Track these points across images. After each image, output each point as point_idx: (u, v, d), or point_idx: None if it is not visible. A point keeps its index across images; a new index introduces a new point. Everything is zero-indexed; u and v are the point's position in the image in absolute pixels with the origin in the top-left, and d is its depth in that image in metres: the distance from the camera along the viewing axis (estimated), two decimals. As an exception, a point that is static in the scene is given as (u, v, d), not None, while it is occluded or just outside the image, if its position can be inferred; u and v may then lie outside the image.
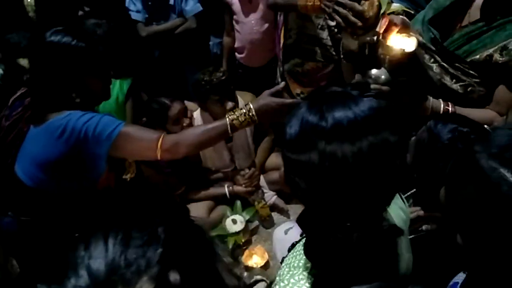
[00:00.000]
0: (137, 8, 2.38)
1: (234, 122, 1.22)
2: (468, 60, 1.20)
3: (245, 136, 2.25)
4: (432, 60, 1.28)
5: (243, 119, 1.22)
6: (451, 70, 1.24)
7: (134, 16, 2.39)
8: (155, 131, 1.29)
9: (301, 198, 0.69)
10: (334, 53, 1.88)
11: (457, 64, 1.23)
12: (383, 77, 1.18)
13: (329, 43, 1.89)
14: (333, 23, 1.80)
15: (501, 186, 0.59)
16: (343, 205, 0.64)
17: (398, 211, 0.86)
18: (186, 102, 2.14)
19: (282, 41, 2.05)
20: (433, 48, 1.26)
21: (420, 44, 1.22)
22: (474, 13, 1.25)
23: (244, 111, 1.22)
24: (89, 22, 1.86)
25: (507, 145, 0.61)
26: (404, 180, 0.72)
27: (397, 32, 1.14)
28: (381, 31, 1.17)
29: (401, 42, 1.14)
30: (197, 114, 2.20)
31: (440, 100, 1.22)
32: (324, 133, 0.62)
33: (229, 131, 1.22)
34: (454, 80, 1.24)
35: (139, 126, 1.38)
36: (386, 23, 1.15)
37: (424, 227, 1.09)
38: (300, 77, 2.04)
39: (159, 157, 1.21)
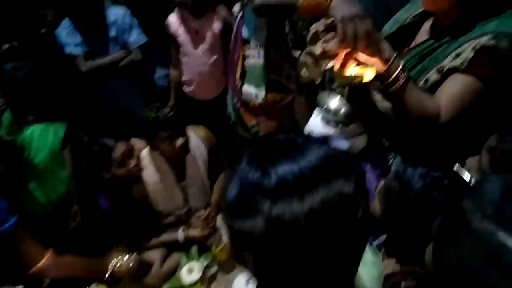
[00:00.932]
0: (75, 41, 2.21)
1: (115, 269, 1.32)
2: (424, 79, 1.15)
3: (199, 172, 2.10)
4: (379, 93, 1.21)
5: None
6: None
7: (73, 50, 2.21)
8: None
9: (254, 273, 0.57)
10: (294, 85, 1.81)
11: None
12: (343, 110, 1.12)
13: (292, 73, 1.83)
14: (297, 53, 1.75)
15: (502, 256, 0.49)
16: (301, 277, 0.54)
17: (370, 269, 0.75)
18: (133, 140, 1.98)
19: (238, 71, 1.97)
20: (378, 83, 1.20)
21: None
22: (420, 37, 1.22)
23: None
24: (7, 66, 1.67)
25: (502, 201, 0.52)
26: (371, 232, 0.62)
27: (356, 65, 1.08)
28: (338, 63, 1.09)
29: (360, 72, 1.07)
30: (146, 153, 2.04)
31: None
32: (267, 192, 0.53)
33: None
34: None
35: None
36: (343, 55, 1.08)
37: (402, 285, 0.98)
38: (257, 109, 1.95)
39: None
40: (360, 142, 1.17)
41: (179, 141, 1.89)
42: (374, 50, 1.02)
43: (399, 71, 1.04)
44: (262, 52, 1.79)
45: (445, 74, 1.08)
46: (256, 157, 0.57)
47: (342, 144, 1.16)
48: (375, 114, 1.20)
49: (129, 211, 1.98)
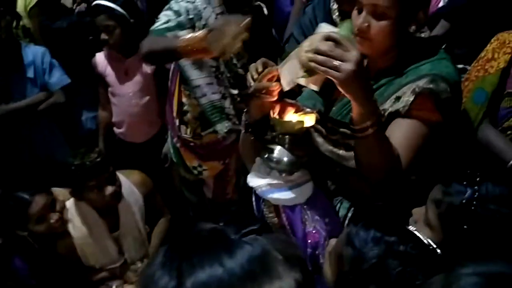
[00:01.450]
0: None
1: None
2: None
3: (134, 220, 1.94)
4: (321, 136, 1.20)
5: None
6: (341, 140, 1.16)
7: (-18, 93, 2.00)
8: None
9: None
10: (236, 123, 1.76)
11: (345, 132, 1.15)
12: (285, 159, 1.08)
13: (232, 112, 1.76)
14: (235, 91, 1.70)
15: None
16: None
17: None
18: (55, 190, 1.79)
19: (175, 109, 1.88)
20: (319, 127, 1.19)
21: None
22: None
23: None
24: None
25: None
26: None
27: (294, 112, 1.07)
28: (276, 113, 1.08)
29: (299, 118, 1.07)
30: (70, 204, 1.85)
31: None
32: None
33: None
34: (347, 150, 1.15)
35: None
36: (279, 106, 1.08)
37: None
38: (198, 149, 1.87)
39: None
40: (306, 190, 1.12)
41: (109, 189, 1.73)
42: None
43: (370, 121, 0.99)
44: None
45: (387, 118, 1.08)
46: (173, 257, 0.47)
47: (287, 194, 1.11)
48: (318, 158, 1.16)
49: (51, 271, 1.76)
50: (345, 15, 1.47)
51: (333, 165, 1.17)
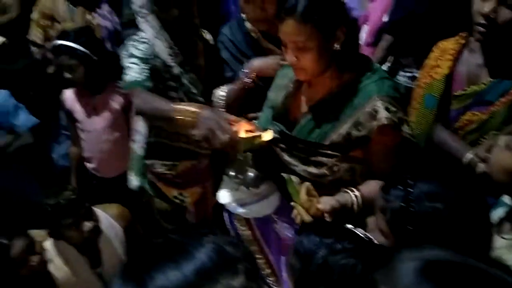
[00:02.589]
0: None
1: None
2: (327, 143, 1.21)
3: (116, 254, 1.91)
4: (287, 155, 1.26)
5: None
6: (311, 158, 1.23)
7: None
8: None
9: None
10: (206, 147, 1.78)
11: (313, 150, 1.24)
12: (250, 174, 1.16)
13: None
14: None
15: None
16: None
17: None
18: (32, 232, 1.76)
19: None
20: (283, 145, 1.25)
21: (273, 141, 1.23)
22: (308, 99, 1.29)
23: None
24: None
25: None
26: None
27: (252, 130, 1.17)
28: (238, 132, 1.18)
29: (258, 135, 1.17)
30: (49, 244, 1.81)
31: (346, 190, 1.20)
32: None
33: None
34: (316, 167, 1.23)
35: None
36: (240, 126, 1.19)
37: None
38: (175, 179, 1.87)
39: None
40: (273, 201, 1.17)
41: (87, 225, 1.71)
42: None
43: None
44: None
45: (354, 141, 1.20)
46: (130, 271, 0.51)
47: (255, 207, 1.16)
48: (281, 170, 1.21)
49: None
50: (262, 33, 1.57)
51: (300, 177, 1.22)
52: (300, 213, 1.06)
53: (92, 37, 2.01)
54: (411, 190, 0.89)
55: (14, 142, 2.08)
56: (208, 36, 1.80)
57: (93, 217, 1.76)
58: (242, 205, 1.17)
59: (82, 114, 2.11)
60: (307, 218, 1.04)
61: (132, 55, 1.62)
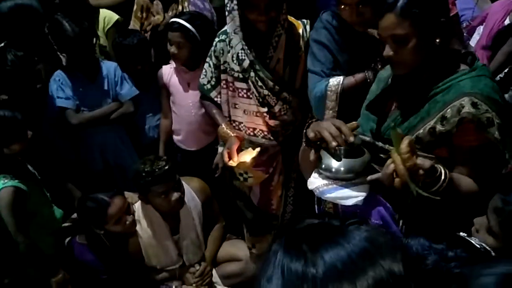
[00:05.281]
0: (66, 94, 2.19)
1: None
2: (415, 136, 1.20)
3: (193, 225, 2.06)
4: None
5: None
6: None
7: (63, 103, 2.19)
8: None
9: None
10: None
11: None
12: (342, 168, 1.17)
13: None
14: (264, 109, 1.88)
15: None
16: None
17: None
18: (126, 194, 1.94)
19: None
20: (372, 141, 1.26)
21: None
22: (401, 95, 1.29)
23: None
24: None
25: None
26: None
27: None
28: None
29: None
30: (137, 206, 2.00)
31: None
32: (316, 282, 0.51)
33: None
34: None
35: None
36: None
37: None
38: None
39: None
40: (363, 189, 1.19)
41: (175, 196, 1.85)
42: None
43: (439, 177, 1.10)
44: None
45: (438, 137, 1.17)
46: (293, 243, 0.55)
47: (345, 192, 1.18)
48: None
49: (122, 268, 1.90)
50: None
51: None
52: (395, 162, 1.05)
53: (205, 22, 2.14)
54: None
55: (118, 109, 2.25)
56: (301, 29, 1.81)
57: (181, 190, 1.89)
58: (330, 190, 1.19)
59: (176, 88, 2.25)
60: (401, 168, 1.03)
61: (210, 57, 1.89)
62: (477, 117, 1.11)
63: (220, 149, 2.02)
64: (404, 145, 1.04)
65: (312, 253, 0.52)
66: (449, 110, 1.15)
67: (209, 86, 1.94)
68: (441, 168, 1.10)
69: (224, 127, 1.89)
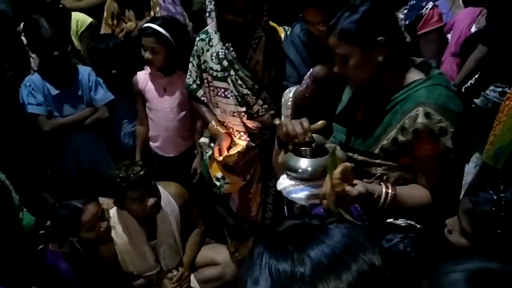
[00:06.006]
0: (37, 100, 2.15)
1: None
2: (378, 148, 1.25)
3: (171, 230, 2.04)
4: None
5: None
6: (364, 168, 1.28)
7: (34, 109, 2.14)
8: None
9: None
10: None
11: (365, 159, 1.28)
12: (309, 168, 1.19)
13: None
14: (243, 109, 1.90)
15: None
16: None
17: None
18: (101, 199, 1.91)
19: None
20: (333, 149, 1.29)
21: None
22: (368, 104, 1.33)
23: None
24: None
25: None
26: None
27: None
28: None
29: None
30: (113, 212, 1.97)
31: (381, 183, 1.23)
32: (305, 280, 0.52)
33: None
34: (368, 178, 1.27)
35: None
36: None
37: None
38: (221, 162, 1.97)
39: None
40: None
41: (151, 201, 1.84)
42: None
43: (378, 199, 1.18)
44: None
45: (401, 147, 1.22)
46: (278, 246, 0.56)
47: (309, 191, 1.20)
48: None
49: (94, 275, 1.87)
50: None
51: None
52: (326, 185, 1.09)
53: (178, 26, 2.13)
54: (503, 195, 0.93)
55: (92, 115, 2.22)
56: (283, 34, 1.84)
57: (157, 195, 1.88)
58: (296, 190, 1.21)
59: (152, 94, 2.23)
60: (329, 192, 1.08)
61: (193, 56, 1.90)
62: (429, 127, 1.15)
63: (199, 154, 2.04)
64: (337, 171, 1.09)
65: (299, 253, 0.54)
66: (407, 120, 1.19)
67: (194, 85, 1.95)
68: (382, 190, 1.18)
69: (214, 124, 1.91)
